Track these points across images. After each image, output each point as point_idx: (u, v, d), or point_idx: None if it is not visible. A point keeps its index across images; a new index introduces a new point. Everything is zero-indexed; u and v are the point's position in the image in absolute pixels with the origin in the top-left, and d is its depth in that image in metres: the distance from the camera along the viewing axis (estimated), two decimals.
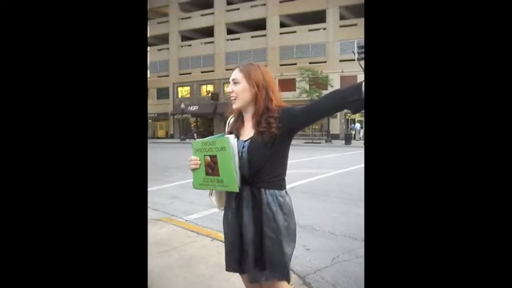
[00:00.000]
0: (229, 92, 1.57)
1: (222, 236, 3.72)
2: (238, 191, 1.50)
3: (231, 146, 1.47)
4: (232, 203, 1.60)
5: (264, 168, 1.52)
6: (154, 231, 3.97)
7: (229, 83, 1.61)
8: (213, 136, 1.61)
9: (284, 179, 1.60)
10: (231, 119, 1.69)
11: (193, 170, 1.62)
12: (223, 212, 1.71)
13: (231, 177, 1.48)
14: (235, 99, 1.56)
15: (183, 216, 4.97)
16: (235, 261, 1.60)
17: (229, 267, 1.65)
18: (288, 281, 1.60)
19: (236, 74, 1.57)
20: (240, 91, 1.55)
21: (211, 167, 1.55)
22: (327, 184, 7.45)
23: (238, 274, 1.69)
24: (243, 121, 1.63)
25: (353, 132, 26.02)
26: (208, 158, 1.55)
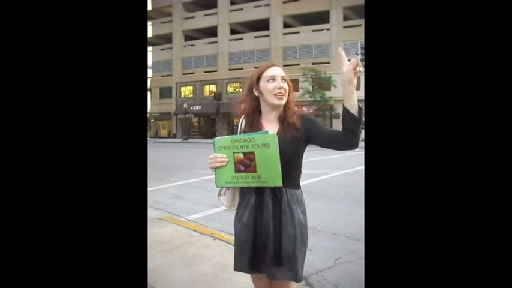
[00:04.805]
0: (280, 88, 1.58)
1: (224, 235, 3.77)
2: (281, 185, 1.50)
3: (276, 142, 1.46)
4: (250, 203, 1.60)
5: (286, 166, 1.52)
6: (157, 231, 3.98)
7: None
8: (248, 133, 1.56)
9: (300, 179, 1.64)
10: (243, 120, 1.68)
11: (217, 167, 1.56)
12: (228, 212, 1.71)
13: (273, 173, 1.48)
14: (284, 95, 1.59)
15: (185, 215, 4.98)
16: (247, 260, 1.59)
17: (239, 267, 1.64)
18: (300, 281, 1.60)
19: (283, 72, 1.62)
20: (287, 89, 1.61)
21: (245, 164, 1.51)
22: (330, 185, 7.44)
23: (241, 274, 1.69)
24: (260, 121, 1.64)
25: None
26: (240, 155, 1.52)
